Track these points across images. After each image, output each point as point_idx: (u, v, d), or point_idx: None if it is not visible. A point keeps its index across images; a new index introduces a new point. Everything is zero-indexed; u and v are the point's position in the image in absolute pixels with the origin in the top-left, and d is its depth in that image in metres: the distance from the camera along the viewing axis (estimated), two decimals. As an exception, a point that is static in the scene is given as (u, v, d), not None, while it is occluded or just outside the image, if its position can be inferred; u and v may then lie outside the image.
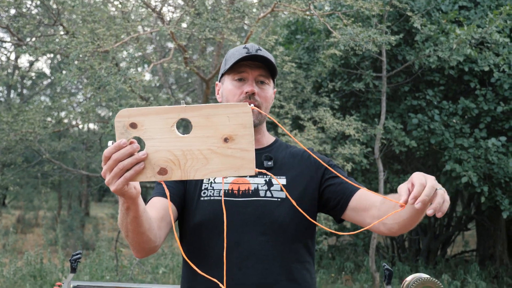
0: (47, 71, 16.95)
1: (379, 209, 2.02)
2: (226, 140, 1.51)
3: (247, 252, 2.09)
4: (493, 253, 11.50)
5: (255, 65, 2.16)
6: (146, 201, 2.06)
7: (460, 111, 8.98)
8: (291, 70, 7.39)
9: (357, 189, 2.14)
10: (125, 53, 6.59)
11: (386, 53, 8.75)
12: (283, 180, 2.18)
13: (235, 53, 2.18)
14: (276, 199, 2.14)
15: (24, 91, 16.32)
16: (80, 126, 7.05)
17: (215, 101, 10.10)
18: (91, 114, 6.45)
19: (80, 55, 5.71)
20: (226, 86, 2.20)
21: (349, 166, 7.49)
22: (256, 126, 2.19)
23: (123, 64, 6.41)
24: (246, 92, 2.13)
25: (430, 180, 1.61)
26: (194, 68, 6.88)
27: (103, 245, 12.11)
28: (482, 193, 8.83)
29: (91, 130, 9.44)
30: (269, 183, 2.17)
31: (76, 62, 5.73)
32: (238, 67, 2.16)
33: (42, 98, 19.77)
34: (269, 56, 2.19)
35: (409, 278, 3.23)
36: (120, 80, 5.46)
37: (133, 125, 1.51)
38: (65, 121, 7.87)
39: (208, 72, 7.51)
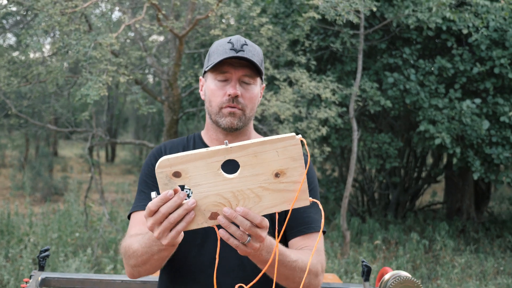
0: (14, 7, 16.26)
1: None
2: (277, 175, 1.46)
3: (227, 268, 2.01)
4: (460, 207, 11.69)
5: (239, 64, 1.99)
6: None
7: (436, 70, 8.90)
8: (267, 33, 7.15)
9: (304, 232, 2.03)
10: (97, 10, 6.28)
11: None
12: None
13: (219, 48, 2.01)
14: None
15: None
16: (49, 87, 6.75)
17: (187, 55, 9.84)
18: (59, 76, 6.18)
19: (46, 18, 5.41)
20: (209, 85, 2.05)
21: (324, 130, 7.40)
22: (241, 128, 2.05)
23: (95, 23, 6.10)
24: (229, 95, 1.98)
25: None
26: (167, 26, 6.62)
27: (71, 194, 11.97)
28: (454, 154, 8.87)
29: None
30: None
31: (42, 24, 5.43)
32: (221, 66, 1.99)
33: (9, 35, 19.08)
34: (256, 53, 2.01)
35: (387, 276, 3.18)
36: (90, 46, 5.22)
37: (177, 174, 1.43)
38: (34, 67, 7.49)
39: (182, 28, 7.25)
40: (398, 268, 7.92)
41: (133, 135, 28.12)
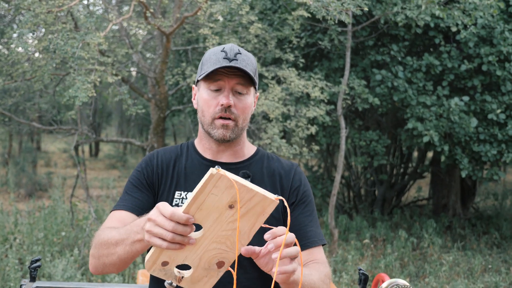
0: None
1: None
2: (231, 207, 1.42)
3: (217, 284, 1.96)
4: (446, 203, 11.73)
5: (232, 73, 1.96)
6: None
7: (424, 67, 8.88)
8: (256, 32, 7.08)
9: (308, 246, 2.03)
10: (80, 7, 6.17)
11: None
12: None
13: (212, 57, 1.98)
14: None
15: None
16: (35, 85, 6.62)
17: (173, 52, 9.72)
18: (45, 75, 6.07)
19: (32, 17, 5.30)
20: (202, 95, 2.02)
21: (313, 129, 7.36)
22: (234, 139, 2.04)
23: (81, 20, 6.00)
24: (222, 105, 1.96)
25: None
26: (155, 23, 6.52)
27: (56, 191, 11.82)
28: (442, 152, 8.87)
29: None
30: None
31: (28, 24, 5.31)
32: (214, 75, 1.96)
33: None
34: (249, 62, 1.98)
35: (384, 285, 3.14)
36: (78, 46, 5.12)
37: (165, 263, 1.50)
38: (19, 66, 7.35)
39: (169, 26, 7.15)
40: (386, 267, 7.93)
41: (117, 129, 27.92)
